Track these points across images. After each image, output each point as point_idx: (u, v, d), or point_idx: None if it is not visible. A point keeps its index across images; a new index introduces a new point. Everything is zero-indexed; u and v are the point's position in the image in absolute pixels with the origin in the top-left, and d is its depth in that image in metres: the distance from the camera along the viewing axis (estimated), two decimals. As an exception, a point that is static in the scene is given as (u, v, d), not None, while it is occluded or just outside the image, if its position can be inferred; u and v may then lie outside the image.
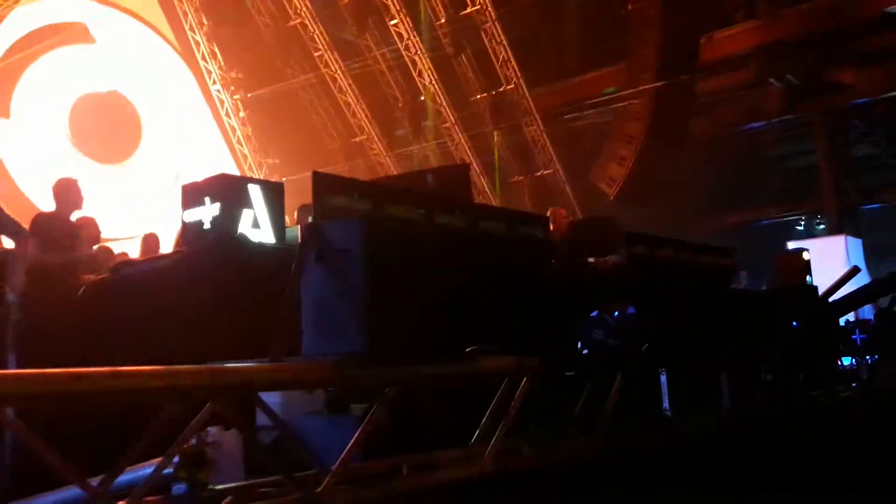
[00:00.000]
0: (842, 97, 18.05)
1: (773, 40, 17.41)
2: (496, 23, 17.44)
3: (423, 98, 18.27)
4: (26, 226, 5.36)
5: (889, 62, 17.01)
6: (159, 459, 2.81)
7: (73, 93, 14.05)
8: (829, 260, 13.72)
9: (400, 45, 17.56)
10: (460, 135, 18.04)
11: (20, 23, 13.52)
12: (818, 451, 5.68)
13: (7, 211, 4.63)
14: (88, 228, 6.43)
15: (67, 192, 5.94)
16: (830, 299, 8.24)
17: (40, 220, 5.91)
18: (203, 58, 16.37)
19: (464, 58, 18.26)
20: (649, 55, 15.95)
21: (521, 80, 17.91)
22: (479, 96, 18.55)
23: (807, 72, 17.96)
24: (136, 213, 13.80)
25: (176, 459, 2.89)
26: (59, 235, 5.68)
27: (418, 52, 17.51)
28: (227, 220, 4.70)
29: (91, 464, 2.72)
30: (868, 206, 19.53)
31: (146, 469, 2.82)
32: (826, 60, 17.60)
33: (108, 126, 14.44)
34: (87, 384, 2.50)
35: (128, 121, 14.84)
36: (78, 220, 6.11)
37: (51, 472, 2.52)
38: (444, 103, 17.91)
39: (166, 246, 7.57)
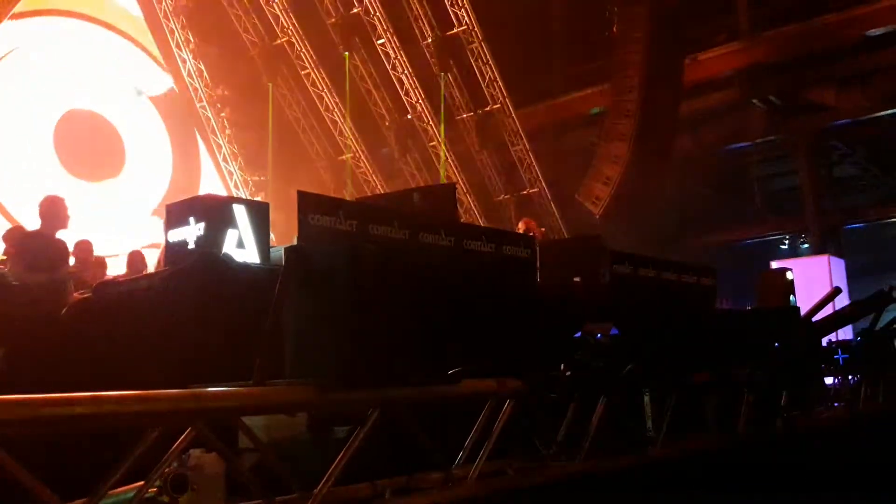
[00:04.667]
0: (824, 118, 18.27)
1: (756, 62, 17.62)
2: (482, 43, 17.56)
3: (409, 117, 18.34)
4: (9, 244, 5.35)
5: (870, 84, 17.23)
6: (140, 483, 2.80)
7: (58, 108, 13.97)
8: (813, 280, 13.82)
9: (387, 64, 17.64)
10: (447, 153, 18.11)
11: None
12: (801, 470, 5.70)
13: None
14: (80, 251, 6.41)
15: (53, 210, 5.91)
16: (813, 319, 8.29)
17: (26, 239, 5.89)
18: (189, 75, 16.38)
19: (450, 77, 18.36)
20: (634, 76, 16.09)
21: (507, 100, 18.03)
22: (465, 115, 18.65)
23: (789, 93, 18.18)
24: (121, 231, 13.74)
25: (157, 483, 2.87)
26: (45, 254, 5.65)
27: (405, 72, 17.58)
28: (212, 240, 4.70)
29: (71, 489, 2.70)
30: (850, 226, 19.72)
31: (127, 493, 2.80)
32: (808, 82, 17.82)
33: (92, 144, 14.37)
34: (68, 409, 2.48)
35: (111, 138, 14.77)
36: (78, 242, 6.09)
37: (30, 497, 2.50)
38: (431, 122, 17.98)
39: (151, 264, 7.52)
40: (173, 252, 4.86)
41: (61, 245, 5.87)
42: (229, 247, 4.76)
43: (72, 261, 7.48)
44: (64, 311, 4.65)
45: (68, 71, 14.23)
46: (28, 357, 4.10)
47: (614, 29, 16.76)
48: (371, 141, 18.76)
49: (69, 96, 14.17)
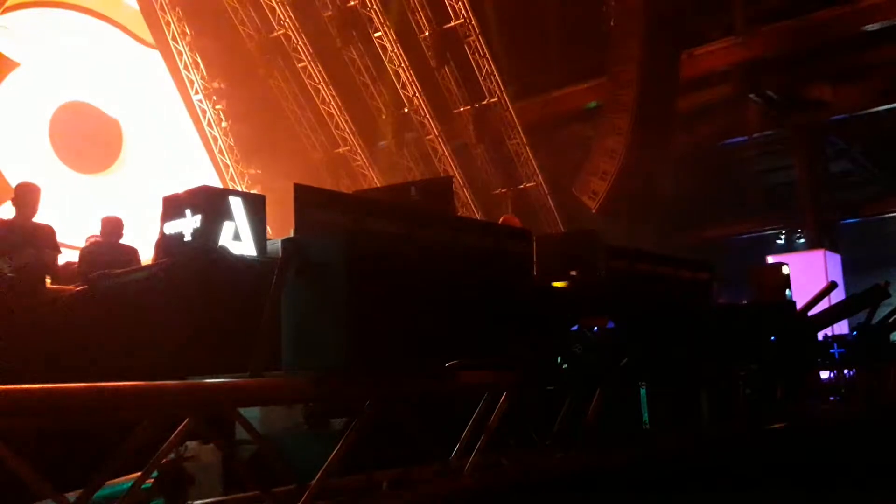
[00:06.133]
0: (820, 113, 18.28)
1: (753, 57, 17.62)
2: (479, 36, 17.53)
3: (406, 110, 18.32)
4: None
5: (866, 79, 17.25)
6: (137, 474, 2.80)
7: (54, 101, 13.92)
8: (809, 275, 13.85)
9: (384, 57, 17.60)
10: (444, 147, 18.08)
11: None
12: (796, 464, 5.72)
13: None
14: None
15: (23, 198, 5.91)
16: (809, 314, 8.31)
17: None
18: (186, 67, 16.31)
19: (447, 70, 18.33)
20: (631, 71, 16.09)
21: (503, 93, 18.01)
22: (462, 109, 18.62)
23: (786, 88, 18.19)
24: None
25: (154, 474, 2.87)
26: (7, 240, 5.64)
27: (402, 65, 17.55)
28: (208, 232, 4.68)
29: (68, 479, 2.70)
30: (847, 221, 19.75)
31: (124, 484, 2.80)
32: (805, 77, 17.83)
33: (88, 136, 14.32)
34: (65, 400, 2.48)
35: (108, 130, 14.73)
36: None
37: (26, 487, 2.50)
38: (428, 115, 17.95)
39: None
40: (170, 244, 4.85)
41: (26, 228, 5.83)
42: (226, 239, 4.75)
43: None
44: (60, 302, 4.64)
45: (65, 62, 14.16)
46: (24, 348, 4.10)
47: (611, 23, 16.74)
48: (368, 134, 18.73)
49: (65, 88, 14.11)
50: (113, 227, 6.82)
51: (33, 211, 5.93)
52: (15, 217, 5.92)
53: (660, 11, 16.00)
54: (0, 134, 13.06)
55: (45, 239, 5.80)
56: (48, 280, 5.72)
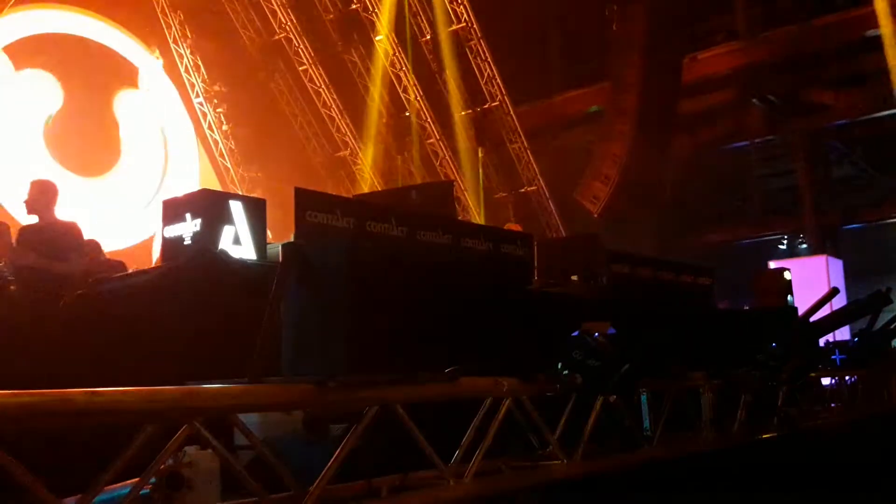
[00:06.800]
0: (822, 118, 18.28)
1: (755, 61, 17.64)
2: (481, 40, 17.54)
3: (407, 114, 18.32)
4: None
5: (868, 85, 17.25)
6: (136, 480, 2.78)
7: (52, 104, 13.91)
8: (811, 280, 13.84)
9: (385, 61, 17.61)
10: (445, 151, 18.09)
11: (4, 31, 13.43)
12: (797, 470, 5.71)
13: None
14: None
15: (42, 197, 5.75)
16: (811, 319, 8.28)
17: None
18: (186, 70, 16.33)
19: (449, 74, 18.34)
20: (633, 75, 16.09)
21: (505, 98, 18.01)
22: (463, 113, 18.62)
23: (788, 93, 18.19)
24: (114, 227, 13.66)
25: (152, 480, 2.86)
26: (34, 247, 5.54)
27: (403, 68, 17.56)
28: (208, 236, 4.68)
29: (66, 484, 2.68)
30: (849, 227, 19.73)
31: (122, 490, 2.79)
32: (807, 82, 17.84)
33: (86, 138, 14.28)
34: (64, 405, 2.47)
35: (107, 133, 14.71)
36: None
37: (24, 492, 2.49)
38: (429, 119, 17.95)
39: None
40: (169, 248, 4.85)
41: (53, 229, 5.74)
42: (226, 243, 4.74)
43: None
44: (60, 304, 4.63)
45: (63, 65, 14.14)
46: (24, 352, 4.09)
47: (613, 28, 16.75)
48: (368, 138, 18.73)
49: (62, 91, 14.09)
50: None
51: (49, 211, 5.76)
52: (36, 221, 5.77)
53: (662, 16, 16.01)
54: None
55: (70, 241, 5.63)
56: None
